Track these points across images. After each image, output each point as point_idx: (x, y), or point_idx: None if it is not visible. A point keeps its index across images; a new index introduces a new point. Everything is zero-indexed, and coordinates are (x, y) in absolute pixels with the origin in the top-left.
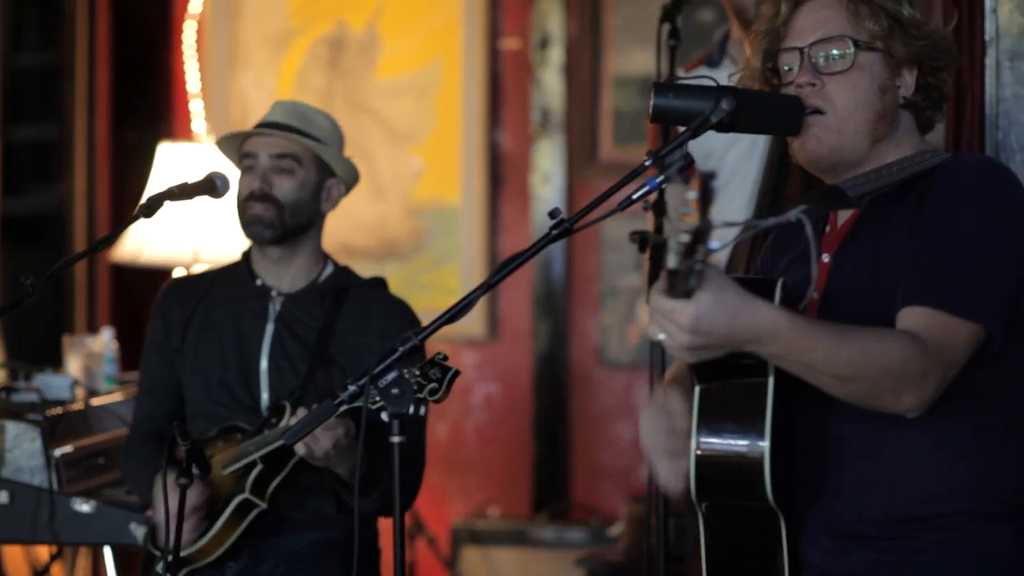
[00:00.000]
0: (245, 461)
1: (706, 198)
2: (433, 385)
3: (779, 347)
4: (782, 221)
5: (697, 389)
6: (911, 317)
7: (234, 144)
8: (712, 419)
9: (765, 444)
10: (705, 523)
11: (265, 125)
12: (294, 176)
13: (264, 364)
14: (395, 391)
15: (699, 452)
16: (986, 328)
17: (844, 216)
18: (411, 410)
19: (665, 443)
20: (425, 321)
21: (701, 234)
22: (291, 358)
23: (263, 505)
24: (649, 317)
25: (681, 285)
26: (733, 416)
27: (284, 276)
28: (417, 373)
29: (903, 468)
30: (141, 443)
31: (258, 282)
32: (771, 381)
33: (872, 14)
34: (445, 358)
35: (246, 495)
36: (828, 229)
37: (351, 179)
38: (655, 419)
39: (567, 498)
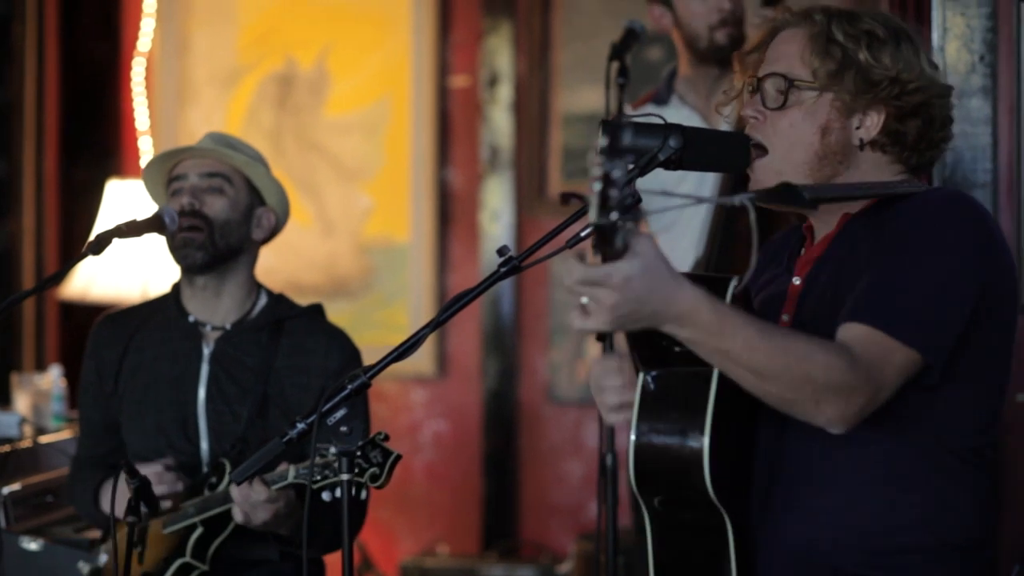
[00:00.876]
0: (185, 523)
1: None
2: (374, 470)
3: (698, 330)
4: (725, 202)
5: (640, 376)
6: (849, 332)
7: (160, 175)
8: (654, 408)
9: (705, 436)
10: (652, 526)
11: (190, 148)
12: (224, 195)
13: (202, 409)
14: (343, 429)
15: (639, 441)
16: (923, 357)
17: (819, 238)
18: (353, 492)
19: (617, 395)
20: (373, 359)
21: (608, 178)
22: (229, 400)
23: (204, 567)
24: (564, 285)
25: (609, 246)
26: (675, 406)
27: (216, 309)
28: (358, 454)
29: (856, 498)
30: (84, 469)
31: (190, 318)
32: (716, 373)
33: (823, 54)
34: (386, 438)
35: (187, 559)
36: (803, 251)
37: (282, 209)
38: (608, 372)
39: (516, 536)
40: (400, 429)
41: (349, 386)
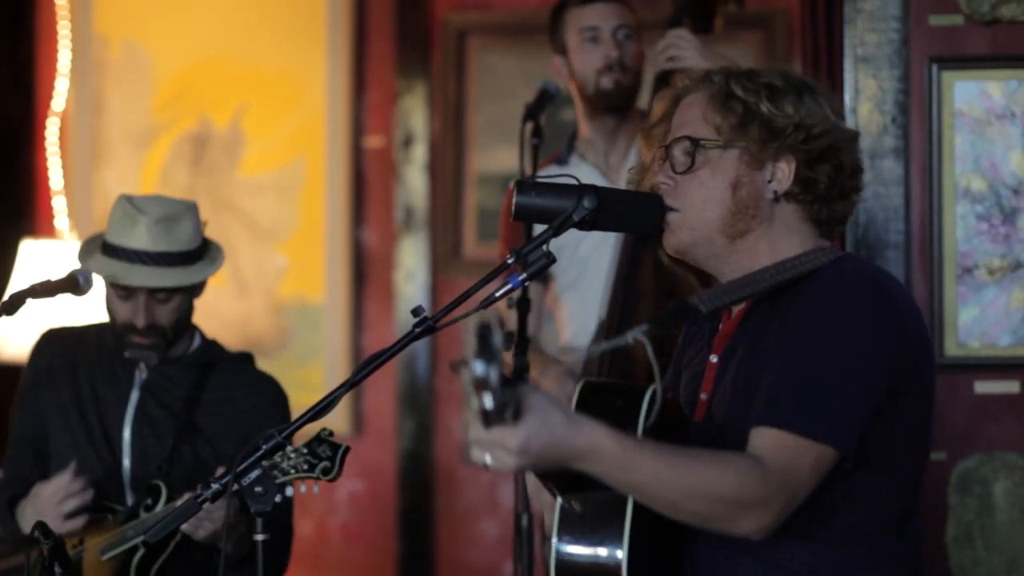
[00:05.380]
0: (126, 546)
1: (484, 346)
2: (325, 464)
3: (604, 466)
4: (618, 344)
5: (558, 500)
6: (759, 438)
7: (97, 263)
8: (572, 524)
9: (623, 552)
10: None
11: (135, 252)
12: (173, 300)
13: (127, 431)
14: (258, 489)
15: (559, 557)
16: (835, 449)
17: (735, 312)
18: (303, 490)
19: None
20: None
21: (484, 382)
22: (155, 426)
23: None
24: (472, 447)
25: (497, 419)
26: (593, 523)
27: (163, 358)
28: (305, 451)
29: None
30: (6, 487)
31: (127, 353)
32: None
33: (724, 109)
34: (331, 434)
35: None
36: (720, 327)
37: (222, 260)
38: None
39: None
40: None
41: (264, 446)
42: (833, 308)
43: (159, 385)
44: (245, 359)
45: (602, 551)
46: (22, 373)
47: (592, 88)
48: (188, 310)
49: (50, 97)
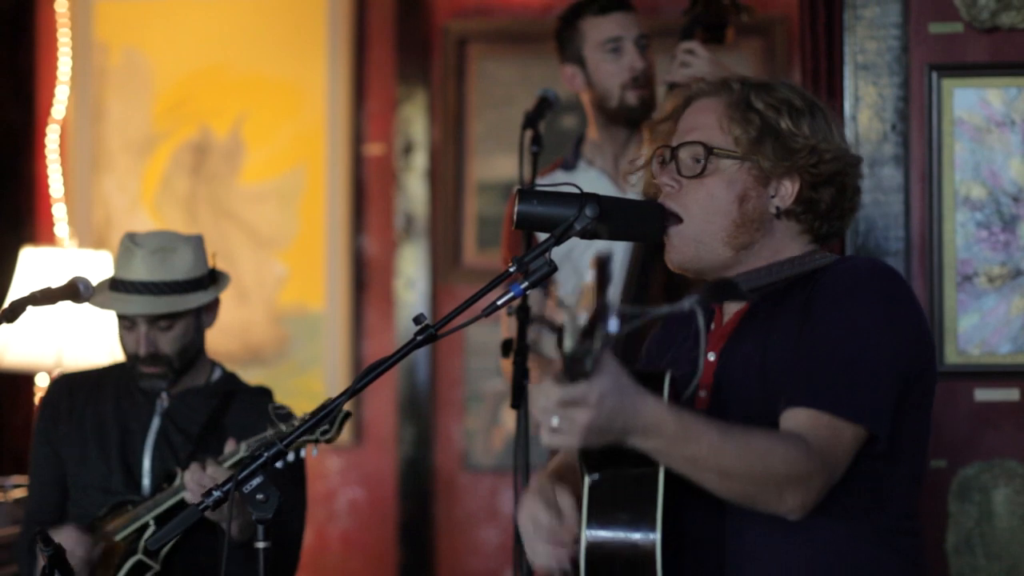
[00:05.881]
0: (137, 524)
1: (603, 280)
2: (324, 426)
3: (664, 440)
4: (676, 310)
5: (587, 479)
6: (795, 418)
7: (102, 298)
8: (603, 509)
9: (656, 535)
10: None
11: (132, 283)
12: (175, 328)
13: (147, 457)
14: (260, 497)
15: (589, 542)
16: (870, 430)
17: (729, 315)
18: (302, 453)
19: (548, 533)
20: None
21: (599, 316)
22: (175, 449)
23: (156, 566)
24: (538, 408)
25: (577, 369)
26: (624, 506)
27: (174, 385)
28: (308, 417)
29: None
30: (31, 528)
31: (140, 383)
32: (662, 471)
33: (743, 121)
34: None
35: (139, 556)
36: (713, 327)
37: (224, 286)
38: (540, 509)
39: None
40: (316, 497)
41: (265, 454)
42: (858, 293)
43: (179, 413)
44: (264, 392)
45: (635, 532)
46: (35, 416)
47: (616, 102)
48: (195, 338)
49: (50, 105)
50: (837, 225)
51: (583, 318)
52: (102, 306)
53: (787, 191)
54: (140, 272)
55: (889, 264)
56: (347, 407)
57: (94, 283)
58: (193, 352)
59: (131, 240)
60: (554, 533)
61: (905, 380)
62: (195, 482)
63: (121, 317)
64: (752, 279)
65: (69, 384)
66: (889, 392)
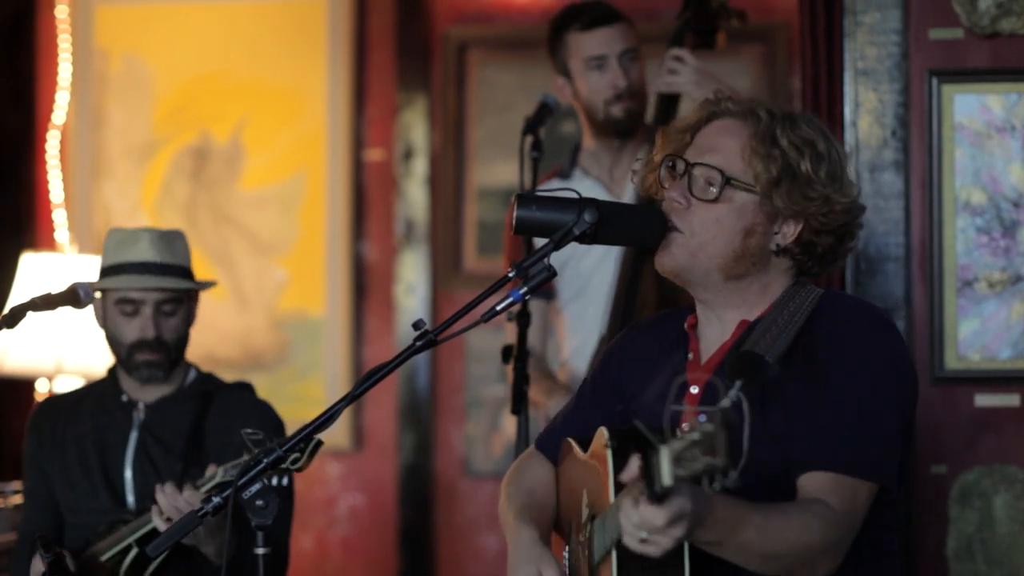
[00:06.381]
0: (120, 547)
1: (733, 438)
2: (295, 455)
3: (717, 530)
4: (722, 405)
5: (615, 553)
6: (816, 482)
7: (106, 282)
8: (632, 570)
9: None
10: None
11: (142, 263)
12: (177, 315)
13: (128, 472)
14: (259, 503)
15: None
16: (884, 485)
17: (713, 343)
18: (275, 481)
19: None
20: (289, 431)
21: (718, 470)
22: (155, 462)
23: None
24: (625, 533)
25: (658, 492)
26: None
27: (152, 391)
28: (297, 433)
29: None
30: (26, 545)
31: (123, 397)
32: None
33: (767, 157)
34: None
35: None
36: (691, 356)
37: (208, 286)
38: None
39: None
40: (316, 503)
41: (264, 460)
42: (864, 353)
43: (157, 422)
44: (244, 387)
45: None
46: (24, 441)
47: (601, 115)
48: (186, 332)
49: (51, 110)
50: (829, 268)
51: (700, 464)
52: (116, 286)
53: (790, 231)
54: (150, 253)
55: (879, 309)
56: (346, 413)
57: (99, 284)
58: (183, 347)
59: (126, 230)
60: None
61: (906, 427)
62: (171, 505)
63: (125, 302)
64: (769, 344)
65: (50, 408)
66: (897, 444)
